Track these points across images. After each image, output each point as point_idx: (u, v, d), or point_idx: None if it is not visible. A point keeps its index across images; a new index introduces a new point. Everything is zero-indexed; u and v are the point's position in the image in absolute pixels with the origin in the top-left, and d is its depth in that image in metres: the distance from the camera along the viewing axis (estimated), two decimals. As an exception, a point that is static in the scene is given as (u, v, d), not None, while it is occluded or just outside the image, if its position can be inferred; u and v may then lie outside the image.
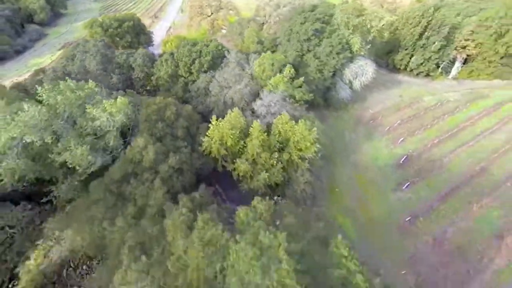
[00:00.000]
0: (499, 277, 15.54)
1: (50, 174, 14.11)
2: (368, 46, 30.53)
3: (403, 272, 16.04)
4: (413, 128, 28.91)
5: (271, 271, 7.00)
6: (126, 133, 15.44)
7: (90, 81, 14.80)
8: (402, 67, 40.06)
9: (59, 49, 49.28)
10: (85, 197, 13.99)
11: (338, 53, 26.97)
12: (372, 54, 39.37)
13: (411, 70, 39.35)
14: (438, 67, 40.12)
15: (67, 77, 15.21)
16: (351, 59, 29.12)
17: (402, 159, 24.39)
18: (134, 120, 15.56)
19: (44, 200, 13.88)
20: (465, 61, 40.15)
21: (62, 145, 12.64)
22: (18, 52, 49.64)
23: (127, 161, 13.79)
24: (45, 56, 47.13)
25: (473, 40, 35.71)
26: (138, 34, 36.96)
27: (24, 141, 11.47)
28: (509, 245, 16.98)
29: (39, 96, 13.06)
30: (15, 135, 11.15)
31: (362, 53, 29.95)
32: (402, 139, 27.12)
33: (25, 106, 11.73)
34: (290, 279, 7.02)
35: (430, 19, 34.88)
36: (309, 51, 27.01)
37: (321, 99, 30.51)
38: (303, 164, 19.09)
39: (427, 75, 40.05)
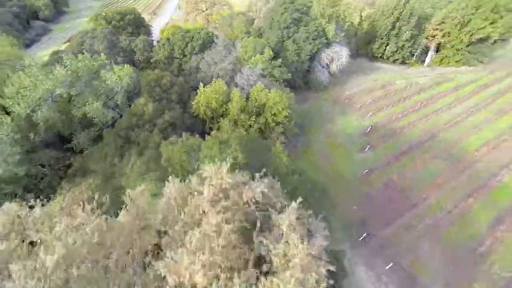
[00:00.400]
0: (428, 210, 19.55)
1: (72, 127, 18.09)
2: (343, 34, 34.57)
3: (354, 207, 20.04)
4: (382, 105, 32.93)
5: (228, 152, 10.96)
6: (130, 96, 19.44)
7: (102, 54, 18.89)
8: (380, 55, 44.09)
9: (65, 43, 53.25)
10: (99, 144, 18.01)
11: (314, 39, 31.03)
12: (353, 44, 43.79)
13: (388, 58, 43.45)
14: (413, 55, 44.26)
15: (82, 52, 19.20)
16: (327, 45, 33.16)
17: (368, 129, 28.42)
18: (137, 86, 19.58)
19: (67, 146, 17.84)
20: (437, 50, 44.15)
21: (82, 100, 16.60)
22: (26, 46, 53.54)
23: (132, 114, 17.78)
24: (52, 49, 51.14)
25: (441, 30, 39.70)
26: (138, 27, 40.92)
27: (55, 94, 15.41)
28: (440, 188, 21.01)
29: (64, 63, 17.04)
30: (49, 88, 15.08)
31: (338, 40, 33.99)
32: (370, 113, 31.14)
33: (57, 66, 15.73)
34: (240, 154, 11.01)
35: (401, 10, 38.87)
36: (288, 37, 31.05)
37: (302, 81, 34.58)
38: (278, 128, 23.10)
39: (403, 62, 44.13)
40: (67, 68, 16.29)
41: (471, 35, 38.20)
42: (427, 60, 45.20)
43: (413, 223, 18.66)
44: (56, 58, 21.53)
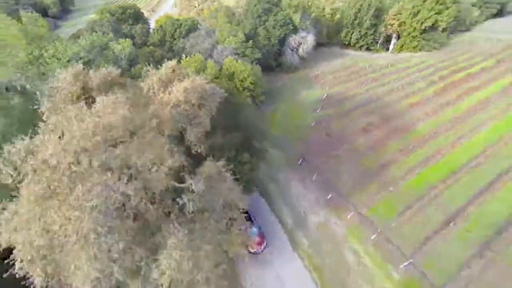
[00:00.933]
0: (354, 147, 26.24)
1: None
2: (308, 22, 41.39)
3: (299, 147, 26.75)
4: (341, 81, 39.68)
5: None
6: (131, 63, 26.35)
7: (110, 32, 25.77)
8: (347, 43, 50.88)
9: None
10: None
11: (281, 26, 37.85)
12: (325, 33, 50.56)
13: (354, 45, 50.25)
14: (377, 42, 51.03)
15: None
16: (294, 31, 39.95)
17: (324, 96, 35.17)
18: (135, 58, 26.48)
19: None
20: (398, 37, 50.82)
21: (96, 64, 23.47)
22: (39, 39, 60.67)
23: (131, 76, 24.68)
24: (62, 41, 58.38)
25: (398, 20, 46.42)
26: (137, 19, 47.86)
27: (79, 56, 22.23)
28: (368, 133, 27.71)
29: (84, 37, 23.94)
30: (75, 51, 21.92)
31: (304, 27, 40.81)
32: (329, 86, 37.88)
33: (80, 38, 22.57)
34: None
35: (362, 2, 45.65)
36: (260, 25, 37.88)
37: (274, 63, 41.42)
38: (245, 92, 29.87)
39: (368, 49, 50.95)
40: (86, 40, 23.17)
41: (421, 24, 44.87)
42: (391, 46, 51.93)
43: (340, 154, 25.39)
44: (77, 35, 28.59)
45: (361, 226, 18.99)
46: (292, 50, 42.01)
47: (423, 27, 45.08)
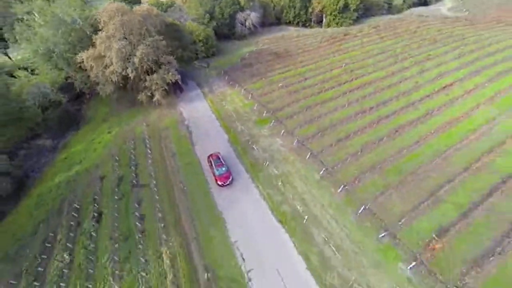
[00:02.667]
0: (255, 67, 45.83)
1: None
2: (251, 3, 61.43)
3: (224, 70, 46.65)
4: (273, 41, 59.27)
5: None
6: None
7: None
8: (288, 21, 70.71)
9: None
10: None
11: (230, 6, 58.07)
12: (273, 14, 70.50)
13: (292, 23, 69.98)
14: (311, 20, 70.65)
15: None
16: (241, 10, 60.10)
17: (254, 49, 54.91)
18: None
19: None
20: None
21: None
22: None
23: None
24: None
25: (319, 3, 66.05)
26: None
27: None
28: (266, 61, 47.27)
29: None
30: None
31: (249, 7, 60.93)
32: (262, 45, 57.64)
33: None
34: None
35: (294, -10, 65.55)
36: (216, 5, 58.20)
37: (229, 32, 61.52)
38: (200, 43, 49.94)
39: (304, 25, 70.58)
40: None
41: (336, 4, 64.40)
42: (323, 23, 71.47)
43: (245, 70, 44.89)
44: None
45: (244, 92, 38.30)
46: (242, 24, 62.20)
47: (338, 8, 64.52)
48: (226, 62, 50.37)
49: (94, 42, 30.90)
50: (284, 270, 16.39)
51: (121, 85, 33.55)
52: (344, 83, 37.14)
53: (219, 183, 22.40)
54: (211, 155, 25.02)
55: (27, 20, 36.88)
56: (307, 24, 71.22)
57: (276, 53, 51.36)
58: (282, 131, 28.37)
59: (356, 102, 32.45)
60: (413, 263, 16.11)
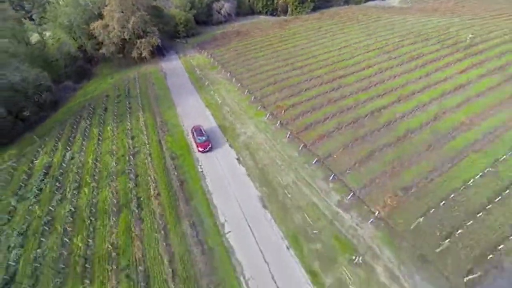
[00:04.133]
0: (222, 41, 61.81)
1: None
2: (225, -4, 77.61)
3: (198, 44, 62.59)
4: (241, 26, 75.20)
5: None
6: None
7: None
8: (259, 11, 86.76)
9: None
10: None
11: (208, -3, 74.29)
12: (247, 5, 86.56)
13: (261, 12, 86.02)
14: (277, 10, 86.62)
15: None
16: (217, 1, 76.20)
17: (226, 30, 70.87)
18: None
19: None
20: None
21: None
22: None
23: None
24: None
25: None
26: None
27: None
28: (233, 37, 63.23)
29: None
30: None
31: (223, -1, 77.09)
32: (232, 28, 73.62)
33: None
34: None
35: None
36: (197, -3, 74.43)
37: (207, 19, 77.60)
38: (182, 25, 65.87)
39: (272, 14, 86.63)
40: None
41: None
42: (288, 12, 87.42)
43: (217, 43, 60.75)
44: None
45: (207, 55, 53.91)
46: (218, 12, 78.33)
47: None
48: (201, 39, 66.35)
49: (102, 15, 46.95)
50: (202, 118, 31.92)
51: (120, 46, 49.55)
52: (276, 46, 52.99)
53: (200, 149, 26.33)
54: (194, 127, 29.24)
55: (53, 3, 53.34)
56: (275, 13, 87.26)
57: (239, 32, 67.47)
58: (223, 71, 44.22)
59: (278, 56, 48.12)
60: (268, 115, 31.47)
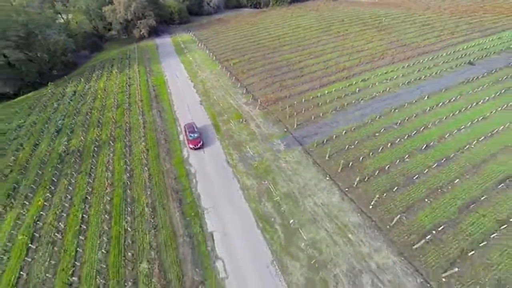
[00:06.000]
0: (216, 26, 77.09)
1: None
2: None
3: (191, 29, 78.05)
4: (226, 16, 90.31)
5: None
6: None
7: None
8: (244, 4, 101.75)
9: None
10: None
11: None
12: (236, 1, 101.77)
13: (246, 5, 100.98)
14: (260, 3, 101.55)
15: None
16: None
17: (211, 19, 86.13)
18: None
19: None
20: None
21: None
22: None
23: None
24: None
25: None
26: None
27: None
28: (222, 23, 78.48)
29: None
30: None
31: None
32: (218, 17, 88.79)
33: None
34: None
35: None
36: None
37: (198, 10, 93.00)
38: (176, 14, 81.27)
39: (255, 7, 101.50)
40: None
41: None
42: (269, 5, 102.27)
43: (209, 27, 76.00)
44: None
45: (192, 35, 68.99)
46: (208, 4, 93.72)
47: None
48: (191, 25, 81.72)
49: (111, 1, 62.75)
50: (177, 68, 46.90)
51: (124, 26, 65.30)
52: (244, 29, 68.07)
53: (191, 146, 26.69)
54: (186, 124, 29.97)
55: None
56: (258, 6, 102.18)
57: (221, 19, 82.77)
58: (199, 44, 59.57)
59: (243, 35, 62.95)
60: (220, 67, 46.20)
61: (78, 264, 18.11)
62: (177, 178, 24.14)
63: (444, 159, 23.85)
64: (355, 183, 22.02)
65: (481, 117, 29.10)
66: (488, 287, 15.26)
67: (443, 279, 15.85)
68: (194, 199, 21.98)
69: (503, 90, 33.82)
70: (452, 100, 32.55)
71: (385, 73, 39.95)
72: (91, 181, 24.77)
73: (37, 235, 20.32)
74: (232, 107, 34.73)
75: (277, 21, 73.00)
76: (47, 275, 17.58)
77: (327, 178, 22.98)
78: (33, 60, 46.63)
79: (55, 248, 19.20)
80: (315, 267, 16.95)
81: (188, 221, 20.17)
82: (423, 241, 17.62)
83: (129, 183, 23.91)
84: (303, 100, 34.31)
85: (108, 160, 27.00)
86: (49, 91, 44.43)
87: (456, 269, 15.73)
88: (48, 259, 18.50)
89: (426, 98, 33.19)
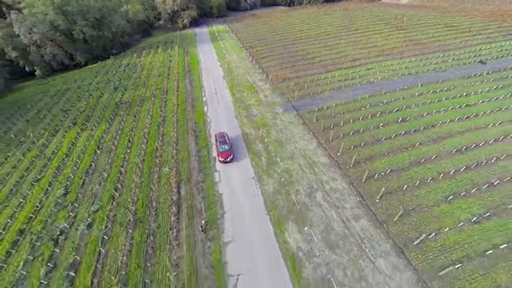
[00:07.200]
0: (251, 19, 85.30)
1: None
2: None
3: (227, 21, 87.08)
4: (261, 12, 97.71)
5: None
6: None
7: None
8: (278, 3, 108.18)
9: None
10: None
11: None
12: None
13: (281, 4, 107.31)
14: (292, 1, 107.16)
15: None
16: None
17: (246, 15, 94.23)
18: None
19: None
20: None
21: None
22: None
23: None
24: None
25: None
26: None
27: None
28: (257, 17, 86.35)
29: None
30: None
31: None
32: (253, 13, 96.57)
33: None
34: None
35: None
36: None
37: (236, 6, 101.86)
38: (215, 8, 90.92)
39: (289, 5, 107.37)
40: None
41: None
42: (303, 4, 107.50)
43: (237, 20, 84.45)
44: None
45: (226, 26, 77.56)
46: (245, 1, 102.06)
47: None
48: (227, 19, 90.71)
49: (163, -5, 74.34)
50: (210, 51, 55.36)
51: (171, 16, 76.33)
52: (272, 23, 74.48)
53: (221, 159, 25.20)
54: (218, 133, 28.12)
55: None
56: (292, 4, 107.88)
57: (255, 15, 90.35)
58: (231, 33, 67.68)
59: (270, 28, 69.47)
60: (246, 52, 53.41)
61: (125, 164, 26.70)
62: (196, 123, 32.03)
63: (413, 129, 28.02)
64: (331, 139, 27.46)
65: (465, 104, 32.08)
66: (408, 208, 20.05)
67: (377, 200, 20.88)
68: (206, 137, 29.51)
69: (500, 86, 35.70)
70: (444, 90, 35.55)
71: (390, 65, 43.52)
72: (136, 120, 33.96)
73: (100, 146, 29.72)
74: (248, 82, 41.71)
75: (303, 18, 78.25)
76: (106, 166, 26.55)
77: (310, 134, 28.75)
78: (101, 38, 58.97)
79: (111, 154, 28.19)
80: (284, 183, 23.14)
81: (199, 149, 27.74)
82: (372, 178, 22.68)
83: (162, 123, 32.44)
84: (308, 81, 39.97)
85: (148, 109, 36.06)
86: (110, 62, 56.30)
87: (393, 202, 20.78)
88: (107, 159, 27.53)
89: (419, 86, 36.55)
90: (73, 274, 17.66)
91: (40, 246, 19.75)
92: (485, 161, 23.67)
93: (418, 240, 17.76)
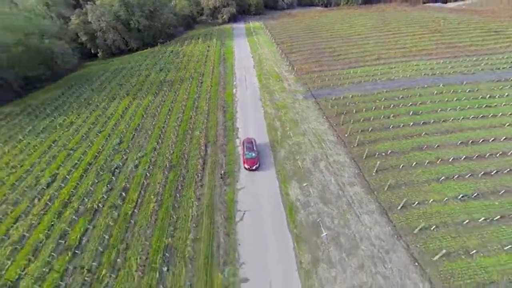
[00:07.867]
0: (286, 18, 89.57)
1: None
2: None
3: (264, 19, 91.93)
4: (297, 12, 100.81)
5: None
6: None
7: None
8: (315, 3, 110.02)
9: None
10: None
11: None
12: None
13: (317, 4, 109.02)
14: (328, 2, 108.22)
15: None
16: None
17: (289, 12, 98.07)
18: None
19: None
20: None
21: None
22: None
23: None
24: None
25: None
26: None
27: None
28: (292, 16, 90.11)
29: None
30: None
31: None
32: (289, 12, 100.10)
33: None
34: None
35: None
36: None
37: (274, 5, 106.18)
38: (253, 6, 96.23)
39: (325, 6, 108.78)
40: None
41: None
42: (340, 5, 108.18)
43: (280, 19, 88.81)
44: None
45: (261, 23, 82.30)
46: (283, 0, 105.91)
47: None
48: (263, 16, 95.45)
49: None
50: (244, 45, 60.59)
51: (212, 12, 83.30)
52: (306, 22, 77.25)
53: (246, 166, 24.51)
54: (246, 138, 27.48)
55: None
56: (328, 5, 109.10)
57: (291, 14, 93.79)
58: (266, 30, 72.19)
59: (303, 26, 72.40)
60: (276, 47, 57.42)
61: (165, 126, 32.75)
62: (226, 101, 37.19)
63: (423, 122, 29.59)
64: (342, 123, 30.36)
65: (485, 105, 32.39)
66: (400, 182, 22.55)
67: (373, 174, 23.58)
68: (232, 112, 34.44)
69: (530, 92, 34.88)
70: (467, 91, 35.83)
71: (415, 65, 44.22)
72: (176, 95, 40.40)
73: (147, 112, 36.45)
74: (275, 72, 45.82)
75: (337, 18, 79.69)
76: (150, 127, 32.95)
77: (323, 117, 31.98)
78: (151, 28, 67.68)
79: (155, 118, 34.56)
80: (293, 153, 26.86)
81: (226, 120, 32.76)
82: (372, 157, 25.33)
83: (197, 99, 38.26)
84: (330, 74, 42.81)
85: (187, 87, 42.26)
86: (157, 49, 64.67)
87: (391, 181, 23.35)
88: (151, 122, 33.99)
89: (440, 85, 37.19)
90: (124, 194, 23.65)
91: (102, 174, 26.33)
92: (488, 154, 24.85)
93: (402, 204, 20.35)
